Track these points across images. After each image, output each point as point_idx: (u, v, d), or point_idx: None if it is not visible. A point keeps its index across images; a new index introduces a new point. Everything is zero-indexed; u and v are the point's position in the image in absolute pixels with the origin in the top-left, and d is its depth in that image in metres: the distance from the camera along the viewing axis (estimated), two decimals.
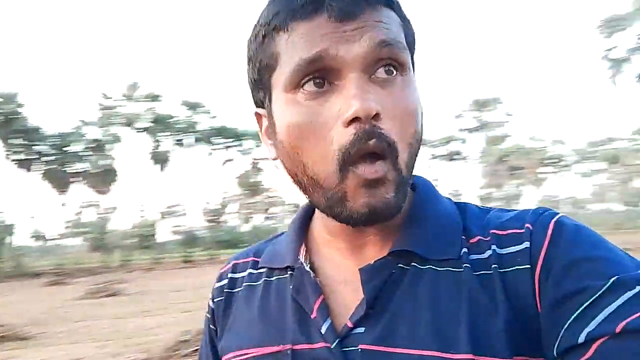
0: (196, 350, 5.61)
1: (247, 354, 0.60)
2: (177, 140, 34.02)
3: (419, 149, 0.55)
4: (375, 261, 0.57)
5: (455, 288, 0.53)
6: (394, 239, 0.57)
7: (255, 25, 0.57)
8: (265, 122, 0.61)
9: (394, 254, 0.56)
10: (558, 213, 0.54)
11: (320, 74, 0.51)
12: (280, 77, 0.54)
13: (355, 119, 0.49)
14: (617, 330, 0.42)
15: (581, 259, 0.48)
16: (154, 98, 31.16)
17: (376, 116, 0.49)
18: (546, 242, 0.51)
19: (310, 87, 0.51)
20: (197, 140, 34.62)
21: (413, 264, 0.56)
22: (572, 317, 0.45)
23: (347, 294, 0.58)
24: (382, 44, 0.50)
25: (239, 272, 0.70)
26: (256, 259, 0.70)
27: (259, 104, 0.61)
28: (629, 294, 0.44)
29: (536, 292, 0.50)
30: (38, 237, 33.11)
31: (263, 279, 0.66)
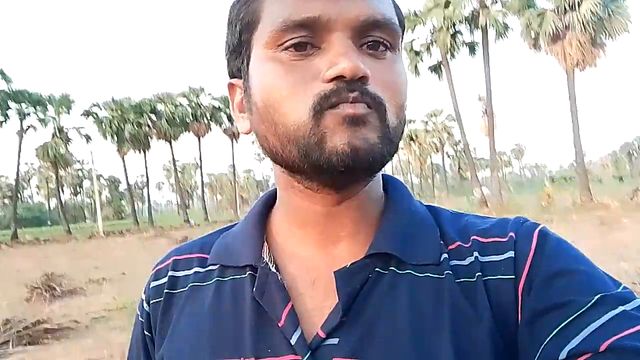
0: (4, 342, 5.20)
1: None
2: None
3: (404, 124, 0.53)
4: (351, 264, 0.52)
5: (436, 296, 0.50)
6: (370, 238, 0.54)
7: None
8: (239, 93, 0.57)
9: (372, 256, 0.52)
10: (539, 224, 0.54)
11: (306, 36, 0.48)
12: (262, 34, 0.50)
13: (339, 77, 0.46)
14: (601, 348, 0.41)
15: (564, 272, 0.48)
16: None
17: (363, 78, 0.46)
18: (531, 253, 0.50)
19: (293, 47, 0.48)
20: None
21: (391, 268, 0.52)
22: (554, 331, 0.44)
23: (316, 298, 0.53)
24: (374, 17, 0.48)
25: (182, 270, 0.61)
26: (203, 255, 0.61)
27: (235, 73, 0.57)
28: (613, 312, 0.43)
29: (518, 303, 0.49)
30: None
31: (215, 278, 0.58)
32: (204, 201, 47.93)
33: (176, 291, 0.60)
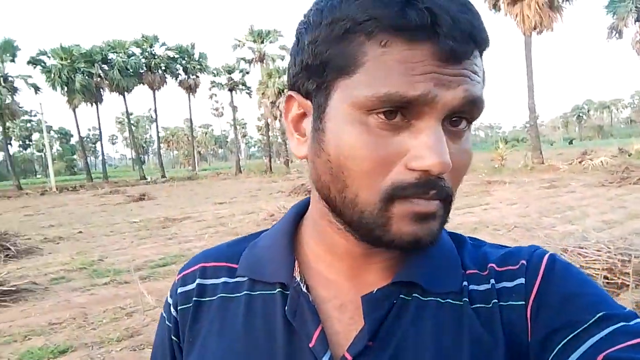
0: None
1: None
2: None
3: None
4: (377, 290, 0.54)
5: (457, 322, 0.52)
6: (398, 267, 0.56)
7: (337, 8, 0.48)
8: (295, 109, 0.55)
9: (397, 284, 0.54)
10: (548, 251, 0.56)
11: (399, 108, 0.46)
12: (352, 89, 0.47)
13: (426, 171, 0.46)
14: (598, 359, 0.44)
15: (571, 295, 0.50)
16: None
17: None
18: (539, 279, 0.52)
19: (382, 116, 0.46)
20: None
21: (415, 295, 0.54)
22: (558, 347, 0.47)
23: (344, 322, 0.54)
24: (472, 102, 0.47)
25: (210, 279, 0.62)
26: (231, 265, 0.62)
27: (301, 90, 0.53)
28: (612, 327, 0.46)
29: (528, 328, 0.51)
30: None
31: (244, 292, 0.59)
32: (160, 156, 46.89)
33: (205, 299, 0.61)
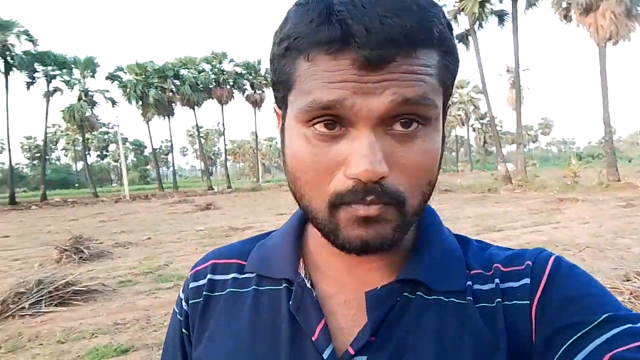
0: (37, 302, 5.43)
1: None
2: None
3: (430, 194, 0.53)
4: (381, 287, 0.55)
5: (459, 321, 0.53)
6: (401, 265, 0.57)
7: (281, 29, 0.51)
8: (280, 126, 0.58)
9: (401, 282, 0.55)
10: (554, 253, 0.57)
11: (333, 117, 0.48)
12: (293, 104, 0.51)
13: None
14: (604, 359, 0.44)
15: (576, 296, 0.50)
16: None
17: (381, 179, 0.47)
18: (544, 279, 0.53)
19: (321, 127, 0.48)
20: (11, 66, 30.37)
21: (419, 293, 0.55)
22: (564, 347, 0.47)
23: (347, 317, 0.56)
24: (406, 102, 0.46)
25: (220, 274, 0.64)
26: (240, 261, 0.65)
27: (277, 104, 0.57)
28: (618, 329, 0.46)
29: (532, 328, 0.51)
30: None
31: (252, 287, 0.61)
32: (227, 168, 48.35)
33: (214, 294, 0.63)
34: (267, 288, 0.60)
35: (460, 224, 10.93)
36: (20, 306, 5.34)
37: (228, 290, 0.63)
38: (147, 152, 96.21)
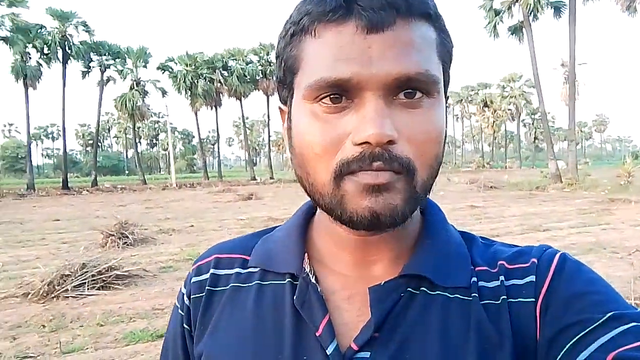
0: (80, 285, 5.61)
1: None
2: (45, 54, 30.72)
3: (438, 171, 0.54)
4: (385, 282, 0.54)
5: (464, 317, 0.53)
6: (405, 261, 0.56)
7: (287, 21, 0.54)
8: (286, 120, 0.59)
9: (405, 277, 0.55)
10: (560, 250, 0.56)
11: (339, 91, 0.49)
12: (301, 84, 0.52)
13: (366, 143, 0.48)
14: (608, 358, 0.44)
15: (581, 294, 0.50)
16: (15, 2, 27.48)
17: (390, 142, 0.47)
18: (549, 277, 0.53)
19: (328, 101, 0.49)
20: (69, 55, 31.56)
21: (423, 288, 0.55)
22: (568, 345, 0.47)
23: (351, 313, 0.55)
24: (408, 70, 0.48)
25: (223, 269, 0.64)
26: (244, 256, 0.64)
27: (283, 100, 0.59)
28: (623, 327, 0.45)
29: (537, 325, 0.51)
30: None
31: (255, 281, 0.61)
32: (270, 159, 48.82)
33: (217, 289, 0.62)
34: (271, 283, 0.60)
35: (505, 223, 10.62)
36: (64, 288, 5.55)
37: (231, 285, 0.62)
38: (194, 141, 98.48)
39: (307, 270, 0.58)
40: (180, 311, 0.65)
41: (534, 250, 0.57)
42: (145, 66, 37.86)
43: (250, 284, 0.61)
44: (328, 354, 0.52)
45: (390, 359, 0.51)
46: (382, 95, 0.48)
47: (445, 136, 0.53)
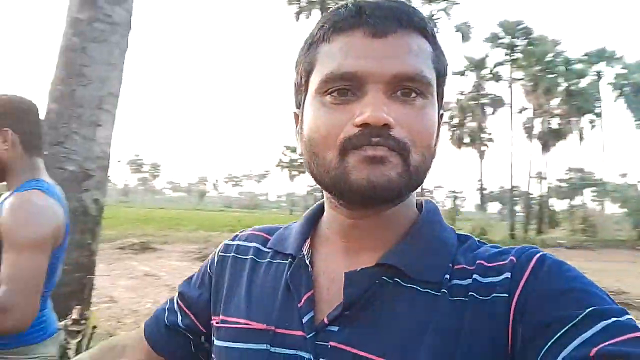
0: None
1: (238, 322, 0.66)
2: None
3: (430, 164, 0.60)
4: (361, 269, 0.60)
5: (428, 310, 0.56)
6: (386, 251, 0.62)
7: (307, 36, 0.64)
8: (299, 121, 0.66)
9: (381, 266, 0.60)
10: (542, 250, 0.58)
11: (346, 85, 0.57)
12: (314, 81, 0.60)
13: (365, 124, 0.55)
14: (591, 354, 0.44)
15: (560, 291, 0.51)
16: None
17: (386, 126, 0.54)
18: (526, 274, 0.54)
19: (335, 94, 0.58)
20: None
21: (397, 279, 0.59)
22: (550, 342, 0.48)
23: (332, 292, 0.62)
24: (405, 71, 0.56)
25: (250, 242, 0.76)
26: (268, 236, 0.76)
27: (297, 105, 0.67)
28: (604, 323, 0.46)
29: (509, 322, 0.52)
30: None
31: (267, 259, 0.72)
32: None
33: (239, 256, 0.76)
34: (278, 261, 0.71)
35: None
36: None
37: (250, 256, 0.74)
38: None
39: (305, 252, 0.68)
40: (210, 259, 0.80)
41: (515, 250, 0.59)
42: None
43: (263, 261, 0.72)
44: (303, 322, 0.61)
45: (353, 332, 0.58)
46: (382, 89, 0.56)
47: (437, 136, 0.62)
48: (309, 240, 0.70)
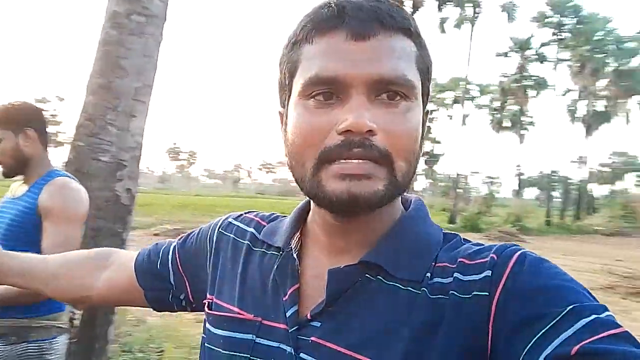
0: None
1: (230, 310, 0.68)
2: None
3: (416, 166, 0.60)
4: (344, 266, 0.61)
5: (408, 308, 0.57)
6: (370, 249, 0.62)
7: (289, 35, 0.63)
8: (283, 121, 0.66)
9: (364, 264, 0.61)
10: (523, 248, 0.58)
11: (329, 88, 0.56)
12: (297, 83, 0.59)
13: (348, 131, 0.54)
14: (572, 352, 0.45)
15: (541, 288, 0.51)
16: None
17: (369, 132, 0.54)
18: (507, 271, 0.54)
19: (319, 97, 0.57)
20: None
21: (379, 277, 0.60)
22: (532, 341, 0.48)
23: (317, 288, 0.63)
24: (388, 74, 0.56)
25: (249, 227, 0.77)
26: (264, 223, 0.77)
27: (282, 104, 0.67)
28: (584, 320, 0.47)
29: (490, 319, 0.52)
30: None
31: (262, 249, 0.72)
32: None
33: (238, 239, 0.76)
34: (270, 253, 0.71)
35: None
36: None
37: (247, 242, 0.75)
38: None
39: (293, 247, 0.68)
40: (211, 229, 0.81)
41: (495, 247, 0.59)
42: None
43: (258, 249, 0.73)
44: (287, 316, 0.62)
45: (333, 329, 0.59)
46: (365, 93, 0.56)
47: (422, 139, 0.61)
48: (298, 234, 0.71)
